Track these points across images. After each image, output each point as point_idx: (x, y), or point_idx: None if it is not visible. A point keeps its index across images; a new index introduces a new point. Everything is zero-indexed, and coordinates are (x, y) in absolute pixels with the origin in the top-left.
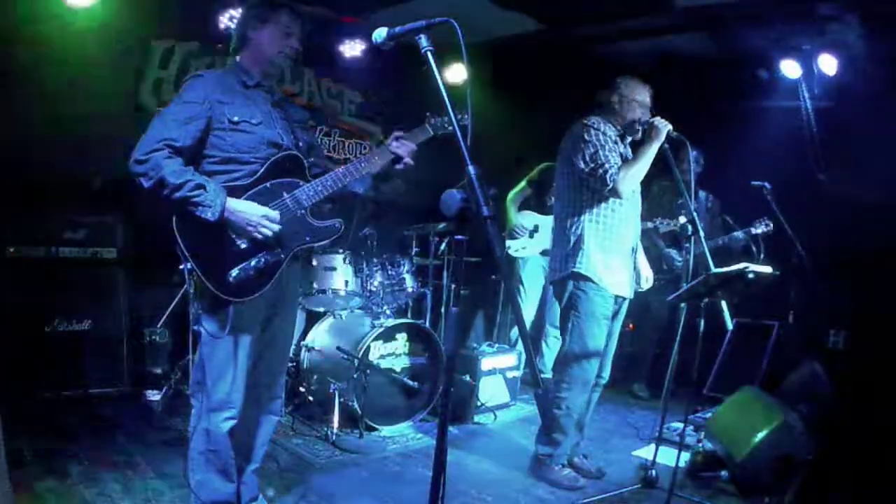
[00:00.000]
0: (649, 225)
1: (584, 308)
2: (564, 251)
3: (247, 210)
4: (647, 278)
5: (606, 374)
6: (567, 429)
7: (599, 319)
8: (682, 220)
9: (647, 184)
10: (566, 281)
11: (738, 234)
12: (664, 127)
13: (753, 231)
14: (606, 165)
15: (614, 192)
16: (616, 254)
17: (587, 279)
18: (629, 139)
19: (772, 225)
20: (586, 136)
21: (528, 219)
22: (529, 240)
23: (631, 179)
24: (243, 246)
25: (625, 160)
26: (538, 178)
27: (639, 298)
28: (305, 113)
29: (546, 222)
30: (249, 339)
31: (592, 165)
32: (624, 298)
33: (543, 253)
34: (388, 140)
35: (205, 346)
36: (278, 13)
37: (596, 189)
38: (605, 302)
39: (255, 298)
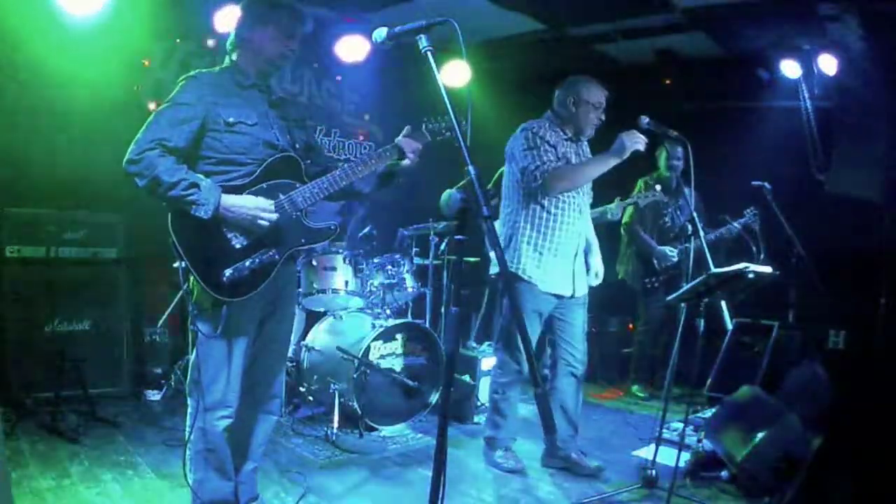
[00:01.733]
0: (628, 200)
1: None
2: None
3: (242, 204)
4: (598, 274)
5: (581, 364)
6: (506, 411)
7: (528, 314)
8: (658, 188)
9: (633, 180)
10: (500, 276)
11: (732, 226)
12: (631, 145)
13: (741, 223)
14: (537, 162)
15: (543, 189)
16: (552, 255)
17: (517, 277)
18: (584, 139)
19: (758, 215)
20: (522, 140)
21: None
22: None
23: (564, 178)
24: (238, 246)
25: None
26: (500, 183)
27: (636, 299)
28: (303, 111)
29: None
30: (245, 339)
31: (524, 164)
32: (565, 297)
33: None
34: (399, 137)
35: (200, 346)
36: (280, 14)
37: (529, 189)
38: (536, 299)
39: (249, 299)
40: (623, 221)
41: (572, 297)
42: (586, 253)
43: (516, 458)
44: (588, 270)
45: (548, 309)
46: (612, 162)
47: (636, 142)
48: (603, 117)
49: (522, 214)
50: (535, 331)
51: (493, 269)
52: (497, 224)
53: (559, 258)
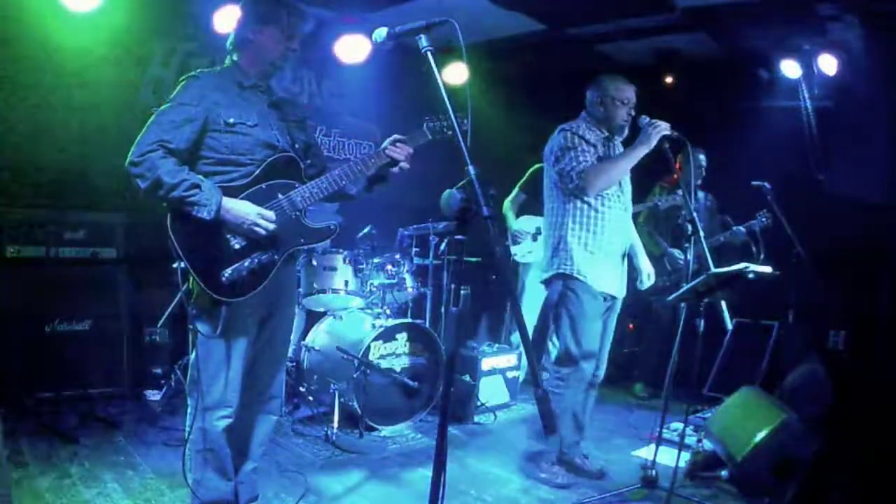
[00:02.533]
0: (648, 204)
1: (574, 307)
2: (550, 252)
3: (242, 209)
4: (650, 275)
5: (602, 371)
6: (559, 427)
7: (590, 317)
8: (680, 192)
9: (648, 184)
10: (554, 281)
11: (739, 228)
12: (655, 133)
13: (753, 225)
14: (573, 163)
15: (581, 189)
16: (602, 254)
17: (573, 278)
18: (619, 139)
19: (770, 218)
20: (560, 140)
21: (528, 223)
22: (533, 243)
23: (599, 177)
24: (237, 246)
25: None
26: (531, 182)
27: (641, 299)
28: (303, 111)
29: None
30: (244, 339)
31: (562, 166)
32: (614, 297)
33: None
34: (385, 143)
35: (200, 346)
36: (281, 13)
37: (570, 190)
38: (594, 300)
39: (248, 299)
40: (637, 223)
41: (615, 298)
42: (631, 256)
43: (564, 472)
44: (639, 274)
45: (602, 310)
46: (643, 151)
47: (662, 129)
48: (633, 113)
49: (570, 215)
50: (593, 333)
51: (545, 273)
52: (526, 222)
53: (609, 257)
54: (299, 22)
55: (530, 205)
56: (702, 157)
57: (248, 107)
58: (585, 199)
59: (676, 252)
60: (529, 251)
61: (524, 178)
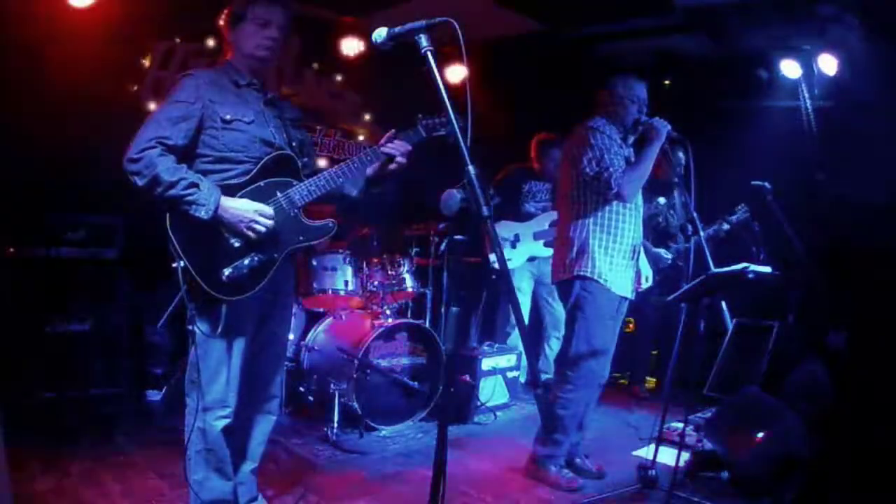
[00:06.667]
0: None
1: (591, 310)
2: (570, 254)
3: (240, 207)
4: (647, 277)
5: (606, 373)
6: (569, 429)
7: (605, 320)
8: (662, 200)
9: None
10: (572, 283)
11: (716, 227)
12: (663, 128)
13: (732, 219)
14: (611, 169)
15: (619, 196)
16: (620, 255)
17: (593, 280)
18: (631, 139)
19: (748, 212)
20: (591, 140)
21: (506, 229)
22: (512, 250)
23: (635, 183)
24: (237, 245)
25: (628, 162)
26: (504, 183)
27: (636, 299)
28: (299, 111)
29: (526, 229)
30: (243, 338)
31: (597, 169)
32: (626, 299)
33: (530, 259)
34: (381, 141)
35: (199, 346)
36: (247, 7)
37: (600, 192)
38: (610, 303)
39: (248, 298)
40: None
41: (626, 300)
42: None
43: (573, 475)
44: (639, 275)
45: (615, 311)
46: (658, 146)
47: (664, 123)
48: (645, 109)
49: (594, 217)
50: (607, 335)
51: (562, 275)
52: (504, 230)
53: (625, 258)
54: (266, 9)
55: (503, 207)
56: (681, 154)
57: (244, 104)
58: (611, 200)
59: (662, 251)
60: (509, 258)
61: (498, 178)
